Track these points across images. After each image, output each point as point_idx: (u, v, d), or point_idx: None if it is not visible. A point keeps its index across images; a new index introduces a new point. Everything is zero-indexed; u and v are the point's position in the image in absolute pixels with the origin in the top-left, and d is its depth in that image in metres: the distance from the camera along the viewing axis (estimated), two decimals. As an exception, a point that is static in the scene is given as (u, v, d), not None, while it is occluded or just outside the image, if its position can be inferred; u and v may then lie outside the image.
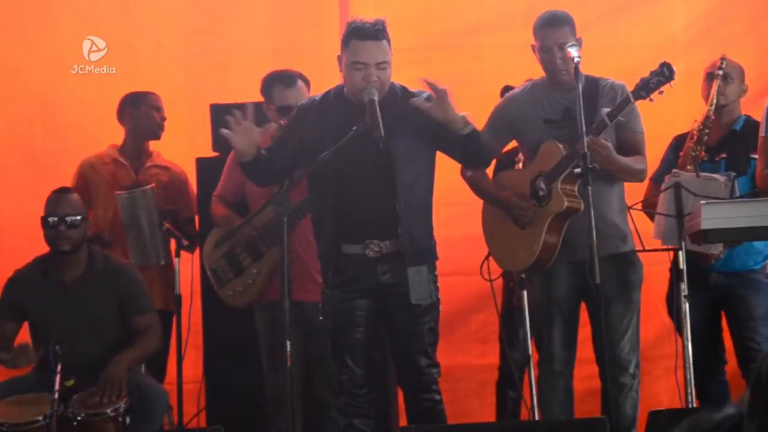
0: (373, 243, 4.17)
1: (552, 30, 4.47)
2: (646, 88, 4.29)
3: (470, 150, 4.21)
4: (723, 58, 5.00)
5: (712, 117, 4.96)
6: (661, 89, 4.29)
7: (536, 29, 4.52)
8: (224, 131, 4.21)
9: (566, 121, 4.45)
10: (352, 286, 4.20)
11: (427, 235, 4.26)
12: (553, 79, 4.50)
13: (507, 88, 5.17)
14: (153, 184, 5.39)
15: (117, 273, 4.85)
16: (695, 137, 4.97)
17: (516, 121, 4.57)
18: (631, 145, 4.49)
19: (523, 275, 4.95)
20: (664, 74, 4.27)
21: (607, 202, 4.51)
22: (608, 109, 4.35)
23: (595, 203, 4.32)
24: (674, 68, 4.29)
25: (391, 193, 4.15)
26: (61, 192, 4.86)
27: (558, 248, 4.46)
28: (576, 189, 4.39)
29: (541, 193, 4.48)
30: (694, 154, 4.92)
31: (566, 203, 4.41)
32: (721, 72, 4.96)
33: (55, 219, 4.74)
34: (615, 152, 4.38)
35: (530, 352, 4.98)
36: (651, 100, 4.32)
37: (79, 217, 4.79)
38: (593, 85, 4.53)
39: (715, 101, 4.97)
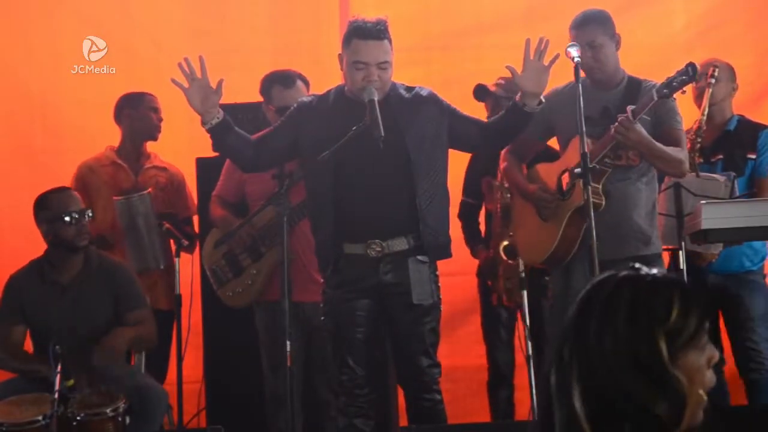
0: (375, 243, 4.16)
1: (580, 29, 4.49)
2: (669, 87, 4.28)
3: (515, 128, 4.24)
4: (715, 66, 4.99)
5: (705, 127, 4.96)
6: (684, 89, 4.29)
7: (570, 30, 4.54)
8: (176, 82, 4.16)
9: (603, 120, 4.42)
10: (353, 286, 4.20)
11: (447, 230, 4.27)
12: (590, 77, 4.50)
13: (480, 87, 5.20)
14: (150, 189, 5.39)
15: (112, 271, 4.85)
16: (689, 145, 4.96)
17: (553, 114, 4.56)
18: (672, 141, 4.44)
19: (523, 274, 4.95)
20: (688, 74, 4.26)
21: (634, 203, 4.50)
22: (633, 107, 4.35)
23: (620, 203, 4.34)
24: (698, 68, 4.29)
25: (404, 191, 4.15)
26: (65, 190, 4.86)
27: (578, 243, 4.46)
28: (600, 186, 4.39)
29: (566, 188, 4.50)
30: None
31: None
32: (713, 80, 4.96)
33: (75, 216, 4.73)
34: (648, 136, 4.36)
35: (530, 351, 4.97)
36: (673, 99, 4.32)
37: (90, 211, 4.82)
38: (636, 85, 4.54)
39: (707, 111, 4.97)
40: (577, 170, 4.25)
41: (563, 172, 4.54)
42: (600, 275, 1.75)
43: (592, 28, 4.48)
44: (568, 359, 1.66)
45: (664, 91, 4.29)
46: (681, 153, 4.48)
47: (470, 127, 4.30)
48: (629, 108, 4.34)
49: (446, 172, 4.30)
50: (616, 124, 4.31)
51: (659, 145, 4.37)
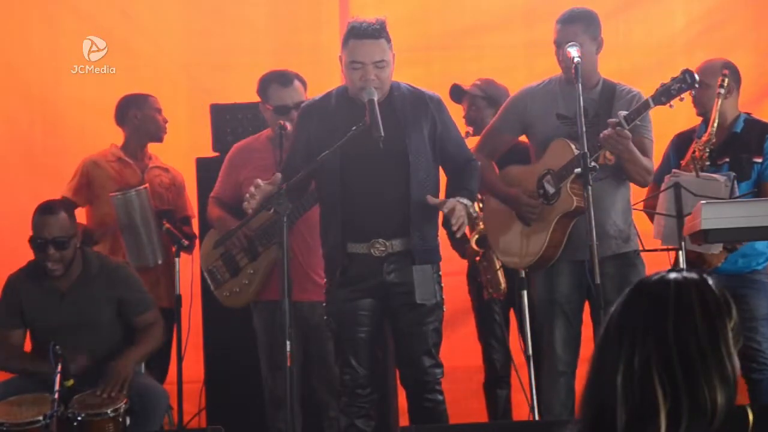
0: (379, 242, 4.16)
1: (564, 27, 4.48)
2: (666, 94, 4.26)
3: None
4: (725, 76, 4.92)
5: (714, 139, 4.91)
6: (682, 96, 4.27)
7: (556, 23, 4.54)
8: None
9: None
10: (356, 286, 4.19)
11: (435, 234, 4.26)
12: (567, 75, 4.49)
13: (455, 87, 5.22)
14: (146, 185, 5.39)
15: (112, 274, 4.84)
16: (697, 154, 4.93)
17: (529, 113, 4.55)
18: (642, 150, 4.45)
19: (523, 274, 4.94)
20: (686, 81, 4.24)
21: (612, 202, 4.51)
22: (626, 112, 4.33)
23: (599, 203, 4.32)
24: (696, 76, 4.27)
25: (401, 192, 4.15)
26: (45, 213, 4.72)
27: (562, 246, 4.46)
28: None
29: (550, 192, 4.48)
30: (695, 164, 4.86)
31: (575, 203, 4.40)
32: (722, 90, 4.89)
33: (42, 241, 4.70)
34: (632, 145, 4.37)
35: (530, 351, 4.97)
36: (671, 106, 4.30)
37: (66, 238, 4.71)
38: (610, 89, 4.53)
39: (717, 121, 4.91)
40: (577, 170, 4.24)
41: (544, 174, 4.52)
42: (657, 274, 1.78)
43: (576, 27, 4.48)
44: (647, 354, 1.70)
45: (662, 99, 4.27)
46: (650, 163, 4.50)
47: (446, 160, 4.32)
48: (621, 113, 4.32)
49: (438, 177, 4.30)
50: (610, 129, 4.29)
51: (638, 152, 4.38)
